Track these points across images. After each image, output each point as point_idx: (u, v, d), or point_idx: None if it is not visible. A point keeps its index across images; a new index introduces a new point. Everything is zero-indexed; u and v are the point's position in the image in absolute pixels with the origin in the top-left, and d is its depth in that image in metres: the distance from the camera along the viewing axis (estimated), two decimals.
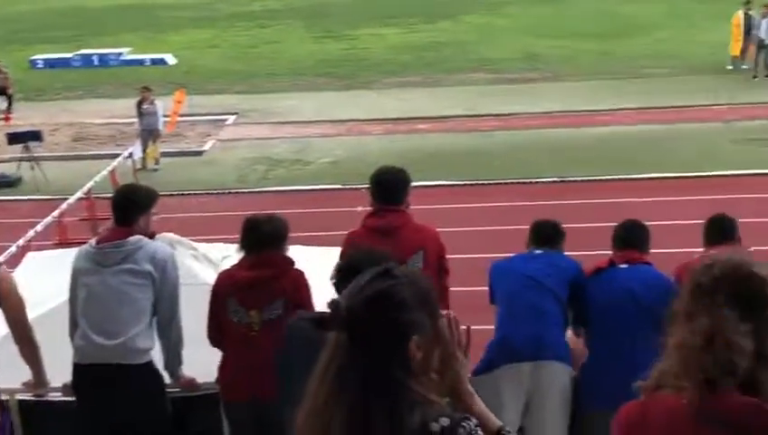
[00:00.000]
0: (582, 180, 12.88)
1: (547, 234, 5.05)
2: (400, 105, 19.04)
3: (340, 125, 17.85)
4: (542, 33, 25.74)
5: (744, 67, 20.70)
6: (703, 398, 1.95)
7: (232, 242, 5.19)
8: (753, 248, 4.75)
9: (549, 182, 13.00)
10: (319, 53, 25.40)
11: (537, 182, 13.02)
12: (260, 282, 4.43)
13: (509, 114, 17.75)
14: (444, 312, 2.00)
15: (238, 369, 4.49)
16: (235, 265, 4.68)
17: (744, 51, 20.81)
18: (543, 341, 4.63)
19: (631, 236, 4.93)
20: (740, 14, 21.02)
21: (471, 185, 13.21)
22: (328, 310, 1.91)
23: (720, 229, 5.08)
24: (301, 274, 4.52)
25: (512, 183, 13.10)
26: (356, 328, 1.87)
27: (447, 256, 5.12)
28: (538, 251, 4.97)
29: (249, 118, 19.03)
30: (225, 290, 4.55)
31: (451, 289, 5.05)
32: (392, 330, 1.87)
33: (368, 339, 1.86)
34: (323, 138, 17.01)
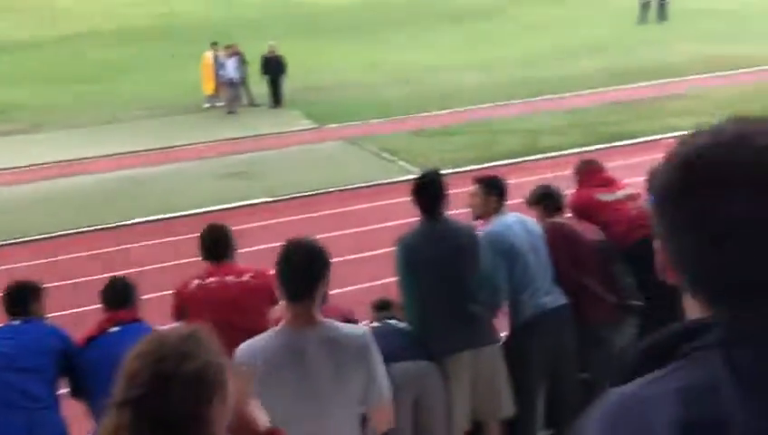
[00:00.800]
0: (73, 232, 12.40)
1: (19, 298, 4.68)
2: None
3: None
4: (13, 82, 24.45)
5: (219, 105, 21.90)
6: None
7: None
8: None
9: (37, 239, 12.28)
10: None
11: (24, 241, 12.23)
12: None
13: None
14: None
15: None
16: None
17: (217, 89, 22.01)
18: (36, 428, 4.26)
19: (117, 296, 4.77)
20: (209, 54, 22.20)
21: None
22: None
23: (214, 245, 5.06)
24: None
25: None
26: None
27: None
28: (16, 322, 4.59)
29: None
30: None
31: None
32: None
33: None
34: None
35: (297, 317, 3.41)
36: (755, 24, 29.86)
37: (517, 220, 5.28)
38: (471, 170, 13.53)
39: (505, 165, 14.25)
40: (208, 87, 22.12)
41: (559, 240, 5.32)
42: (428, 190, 4.90)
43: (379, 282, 8.60)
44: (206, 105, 22.12)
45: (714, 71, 22.29)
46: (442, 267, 4.75)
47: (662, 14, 32.93)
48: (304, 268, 3.37)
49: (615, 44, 27.10)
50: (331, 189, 14.00)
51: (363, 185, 14.17)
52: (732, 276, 1.13)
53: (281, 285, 3.43)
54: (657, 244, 1.23)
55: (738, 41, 26.13)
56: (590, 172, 6.31)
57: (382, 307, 5.29)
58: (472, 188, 5.43)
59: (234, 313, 4.69)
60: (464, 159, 14.74)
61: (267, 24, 33.31)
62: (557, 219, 5.56)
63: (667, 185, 1.18)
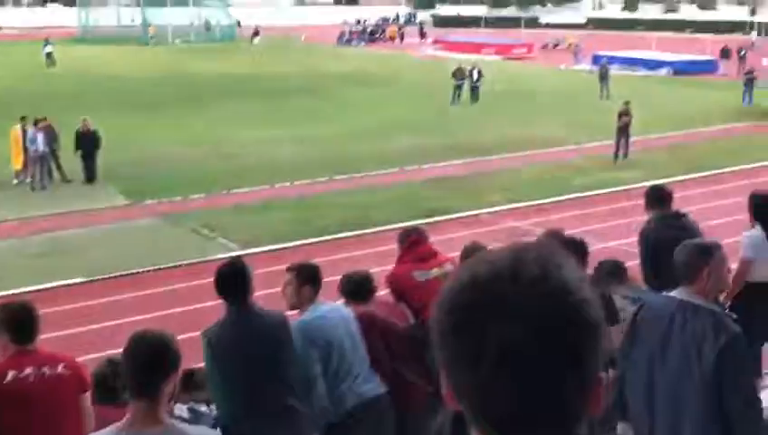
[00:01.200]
0: None
1: None
2: None
3: None
4: None
5: (29, 180, 20.91)
6: None
7: None
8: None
9: None
10: None
11: None
12: None
13: None
14: None
15: None
16: None
17: (26, 164, 21.03)
18: None
19: None
20: (18, 128, 21.26)
21: None
22: None
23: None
24: None
25: None
26: None
27: None
28: None
29: None
30: None
31: None
32: None
33: None
34: None
35: (140, 416, 3.21)
36: (550, 105, 32.13)
37: (333, 308, 5.27)
38: (290, 247, 13.60)
39: (324, 241, 14.39)
40: (18, 162, 21.11)
41: (371, 330, 5.37)
42: (233, 281, 4.80)
43: (196, 366, 8.39)
44: (16, 181, 21.06)
45: (519, 150, 23.58)
46: (252, 360, 4.64)
47: (474, 95, 34.63)
48: (150, 364, 3.22)
49: (430, 124, 28.19)
50: (147, 268, 13.62)
51: (180, 263, 13.87)
52: (508, 408, 1.12)
53: (125, 381, 3.26)
54: (440, 371, 1.20)
55: (537, 123, 27.85)
56: (411, 245, 6.29)
57: (185, 380, 5.10)
58: (286, 276, 5.30)
59: (54, 412, 4.44)
60: (283, 235, 14.74)
61: (82, 97, 32.38)
62: (366, 308, 5.60)
63: (444, 316, 1.17)
